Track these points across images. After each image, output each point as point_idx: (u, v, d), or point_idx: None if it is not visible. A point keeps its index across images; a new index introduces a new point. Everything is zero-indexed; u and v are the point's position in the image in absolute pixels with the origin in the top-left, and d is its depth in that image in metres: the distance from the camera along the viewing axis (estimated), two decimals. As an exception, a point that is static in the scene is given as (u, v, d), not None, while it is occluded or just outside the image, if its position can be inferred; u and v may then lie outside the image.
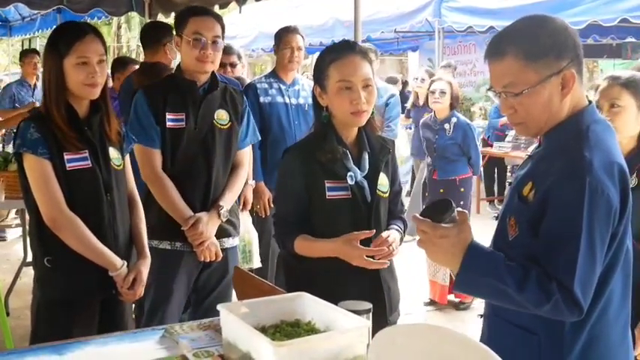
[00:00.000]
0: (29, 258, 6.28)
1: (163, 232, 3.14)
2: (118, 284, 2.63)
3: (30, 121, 2.56)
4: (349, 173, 2.44)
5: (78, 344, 2.11)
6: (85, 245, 2.56)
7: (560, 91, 1.84)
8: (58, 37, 2.60)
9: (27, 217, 6.24)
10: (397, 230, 2.55)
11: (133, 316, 3.16)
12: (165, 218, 3.12)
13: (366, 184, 2.47)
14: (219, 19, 3.18)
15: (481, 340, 1.99)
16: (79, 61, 2.53)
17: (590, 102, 1.92)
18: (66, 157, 2.54)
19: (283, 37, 4.57)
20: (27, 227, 6.29)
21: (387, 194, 2.55)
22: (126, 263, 2.65)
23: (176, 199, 3.09)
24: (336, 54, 2.44)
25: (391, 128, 5.84)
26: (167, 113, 3.12)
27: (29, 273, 6.29)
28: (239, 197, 4.18)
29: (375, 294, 2.43)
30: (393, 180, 2.60)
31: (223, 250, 3.25)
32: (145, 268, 2.74)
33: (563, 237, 1.75)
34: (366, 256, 2.37)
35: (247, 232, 4.12)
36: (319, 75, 2.47)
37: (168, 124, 3.12)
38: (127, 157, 2.83)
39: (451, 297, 5.56)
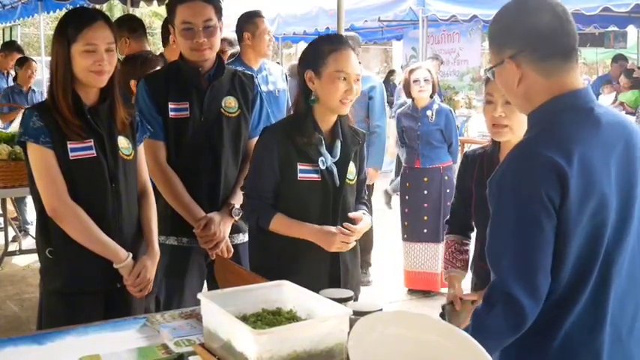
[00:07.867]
0: (10, 247, 6.28)
1: (169, 227, 3.01)
2: (124, 277, 2.55)
3: (33, 110, 2.51)
4: (321, 158, 2.60)
5: (58, 333, 2.11)
6: (87, 236, 2.49)
7: (518, 79, 1.77)
8: (66, 22, 2.53)
9: (8, 206, 6.26)
10: (365, 213, 2.74)
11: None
12: (171, 213, 2.99)
13: (335, 170, 2.63)
14: (210, 0, 2.97)
15: None
16: (86, 48, 2.46)
17: (577, 89, 1.76)
18: (69, 145, 2.48)
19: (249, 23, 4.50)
20: (8, 217, 6.27)
21: (354, 182, 2.73)
22: (131, 255, 2.56)
23: (185, 197, 2.96)
24: (335, 45, 2.59)
25: (378, 134, 5.50)
26: (169, 102, 2.96)
27: (11, 263, 6.29)
28: None
29: (332, 272, 2.65)
30: (360, 169, 2.77)
31: (234, 245, 3.09)
32: (152, 263, 2.62)
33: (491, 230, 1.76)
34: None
35: None
36: (315, 61, 2.57)
37: (171, 114, 2.96)
38: (141, 148, 2.75)
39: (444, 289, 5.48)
